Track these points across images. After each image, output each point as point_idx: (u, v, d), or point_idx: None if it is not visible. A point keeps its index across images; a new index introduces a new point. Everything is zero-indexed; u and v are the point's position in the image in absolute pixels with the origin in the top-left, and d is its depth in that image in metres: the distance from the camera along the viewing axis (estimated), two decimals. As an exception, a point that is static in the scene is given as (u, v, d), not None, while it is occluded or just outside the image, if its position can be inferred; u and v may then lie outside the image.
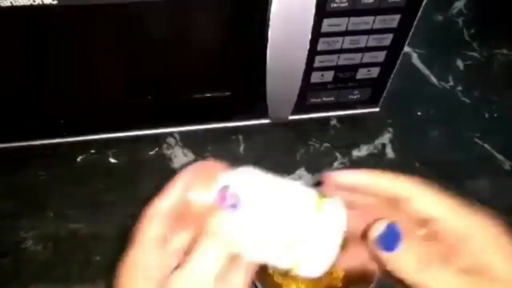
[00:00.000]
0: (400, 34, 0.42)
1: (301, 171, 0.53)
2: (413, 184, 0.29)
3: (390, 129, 0.56)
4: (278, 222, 0.27)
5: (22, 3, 0.33)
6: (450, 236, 0.28)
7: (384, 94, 0.50)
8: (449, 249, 0.28)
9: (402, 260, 0.26)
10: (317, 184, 0.30)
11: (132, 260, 0.29)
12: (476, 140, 0.56)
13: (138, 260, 0.29)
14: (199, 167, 0.30)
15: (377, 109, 0.52)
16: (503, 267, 0.26)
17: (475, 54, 0.62)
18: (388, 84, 0.49)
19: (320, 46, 0.41)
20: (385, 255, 0.27)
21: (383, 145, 0.55)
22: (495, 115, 0.58)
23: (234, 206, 0.27)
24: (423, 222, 0.28)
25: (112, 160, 0.53)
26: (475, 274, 0.26)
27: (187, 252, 0.28)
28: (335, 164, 0.54)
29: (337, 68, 0.44)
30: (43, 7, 0.33)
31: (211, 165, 0.30)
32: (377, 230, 0.27)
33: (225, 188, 0.27)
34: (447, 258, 0.28)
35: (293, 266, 0.27)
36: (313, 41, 0.40)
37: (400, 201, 0.28)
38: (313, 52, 0.42)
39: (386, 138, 0.55)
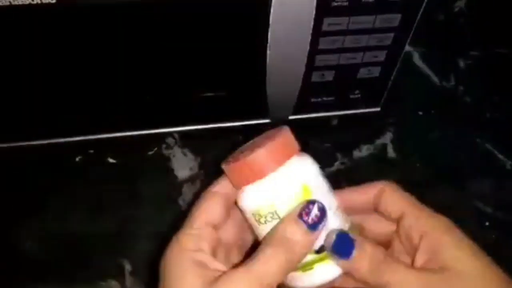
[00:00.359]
0: (401, 34, 0.42)
1: (302, 171, 0.53)
2: (380, 185, 0.32)
3: (391, 129, 0.56)
4: None
5: (21, 2, 0.33)
6: (410, 233, 0.29)
7: (385, 94, 0.50)
8: (409, 247, 0.30)
9: (356, 265, 0.27)
10: None
11: (182, 242, 0.28)
12: (478, 140, 0.56)
13: (189, 242, 0.28)
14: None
15: (378, 109, 0.52)
16: (463, 262, 0.27)
17: (476, 53, 0.62)
18: (389, 83, 0.48)
19: (321, 46, 0.41)
20: (342, 263, 0.28)
21: (384, 145, 0.55)
22: (497, 114, 0.57)
23: (314, 225, 0.27)
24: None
25: (111, 160, 0.53)
26: (436, 271, 0.27)
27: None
28: (336, 164, 0.53)
29: (337, 68, 0.44)
30: (43, 7, 0.33)
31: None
32: (329, 239, 0.28)
33: (311, 204, 0.28)
34: (407, 256, 0.30)
35: None
36: (314, 41, 0.40)
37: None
38: (313, 51, 0.41)
39: (387, 138, 0.55)
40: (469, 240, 0.28)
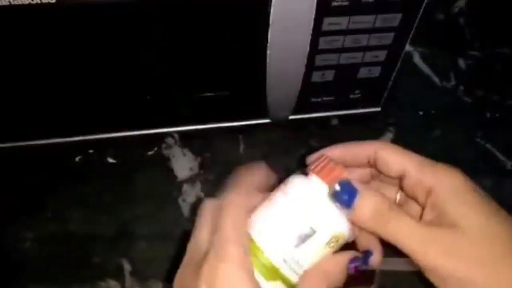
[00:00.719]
0: (401, 33, 0.42)
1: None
2: (380, 144, 0.31)
3: (391, 129, 0.56)
4: None
5: (21, 2, 0.33)
6: (415, 192, 0.29)
7: (385, 94, 0.50)
8: (416, 205, 0.29)
9: (358, 213, 0.27)
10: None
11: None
12: (478, 139, 0.55)
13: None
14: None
15: (378, 109, 0.52)
16: (469, 218, 0.26)
17: (477, 53, 0.62)
18: (390, 83, 0.48)
19: (321, 45, 0.41)
20: (345, 211, 0.28)
21: (384, 145, 0.55)
22: (497, 114, 0.57)
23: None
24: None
25: (111, 160, 0.53)
26: (442, 226, 0.27)
27: None
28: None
29: (338, 67, 0.44)
30: (43, 7, 0.33)
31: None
32: (332, 189, 0.28)
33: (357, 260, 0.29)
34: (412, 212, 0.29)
35: None
36: (314, 40, 0.40)
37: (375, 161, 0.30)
38: (313, 51, 0.41)
39: (387, 138, 0.55)
40: (477, 193, 0.27)
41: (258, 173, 0.32)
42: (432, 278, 0.26)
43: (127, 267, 0.47)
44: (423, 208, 0.28)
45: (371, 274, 0.39)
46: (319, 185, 0.28)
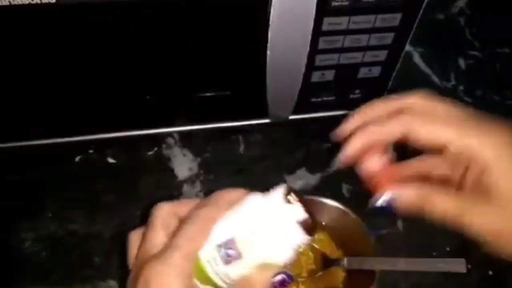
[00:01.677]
0: (401, 33, 0.42)
1: (302, 171, 0.53)
2: (413, 115, 0.29)
3: (391, 129, 0.56)
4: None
5: (20, 2, 0.33)
6: (457, 158, 0.28)
7: (386, 94, 0.50)
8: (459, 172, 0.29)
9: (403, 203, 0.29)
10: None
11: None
12: (478, 140, 0.55)
13: None
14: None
15: (378, 109, 0.51)
16: (507, 188, 0.26)
17: (476, 53, 0.62)
18: (390, 83, 0.48)
19: (321, 45, 0.41)
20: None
21: (384, 145, 0.55)
22: (497, 114, 0.57)
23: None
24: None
25: (111, 160, 0.53)
26: (477, 192, 0.27)
27: None
28: (336, 164, 0.53)
29: (338, 67, 0.44)
30: (43, 7, 0.33)
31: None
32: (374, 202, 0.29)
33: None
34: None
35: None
36: (314, 40, 0.40)
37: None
38: (313, 51, 0.41)
39: (387, 138, 0.55)
40: None
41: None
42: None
43: (127, 267, 0.47)
44: (463, 175, 0.29)
45: (371, 274, 0.39)
46: (275, 206, 0.26)
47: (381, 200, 0.29)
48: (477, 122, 0.29)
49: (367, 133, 0.30)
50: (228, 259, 0.25)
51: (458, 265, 0.37)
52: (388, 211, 0.29)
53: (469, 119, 0.29)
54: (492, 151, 0.27)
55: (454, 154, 0.28)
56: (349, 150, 0.30)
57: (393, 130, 0.29)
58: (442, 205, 0.28)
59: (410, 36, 0.43)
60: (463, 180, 0.29)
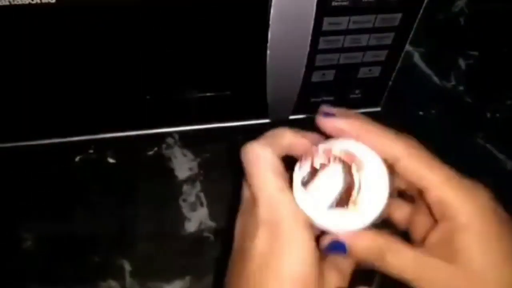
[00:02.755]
0: (401, 33, 0.42)
1: (302, 171, 0.53)
2: (406, 146, 0.29)
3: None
4: None
5: (20, 2, 0.33)
6: (436, 207, 0.27)
7: (386, 94, 0.50)
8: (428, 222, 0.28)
9: (353, 252, 0.28)
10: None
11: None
12: (478, 140, 0.55)
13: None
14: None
15: (378, 109, 0.52)
16: (481, 258, 0.25)
17: (477, 53, 0.62)
18: (390, 83, 0.48)
19: (321, 45, 0.41)
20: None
21: (384, 145, 0.54)
22: (497, 115, 0.57)
23: None
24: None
25: (111, 160, 0.53)
26: (449, 259, 0.25)
27: None
28: (336, 164, 0.53)
29: (338, 67, 0.44)
30: (42, 7, 0.33)
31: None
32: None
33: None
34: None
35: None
36: (314, 40, 0.40)
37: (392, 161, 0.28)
38: (313, 51, 0.41)
39: (387, 138, 0.55)
40: (499, 228, 0.25)
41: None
42: None
43: (127, 267, 0.47)
44: (431, 228, 0.27)
45: (371, 274, 0.39)
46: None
47: (330, 244, 0.28)
48: (462, 178, 0.28)
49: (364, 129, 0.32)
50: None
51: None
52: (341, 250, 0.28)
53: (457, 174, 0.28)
54: (473, 213, 0.26)
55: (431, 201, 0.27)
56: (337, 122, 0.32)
57: (390, 151, 0.29)
58: (398, 262, 0.26)
59: (410, 36, 0.43)
60: (427, 230, 0.28)
